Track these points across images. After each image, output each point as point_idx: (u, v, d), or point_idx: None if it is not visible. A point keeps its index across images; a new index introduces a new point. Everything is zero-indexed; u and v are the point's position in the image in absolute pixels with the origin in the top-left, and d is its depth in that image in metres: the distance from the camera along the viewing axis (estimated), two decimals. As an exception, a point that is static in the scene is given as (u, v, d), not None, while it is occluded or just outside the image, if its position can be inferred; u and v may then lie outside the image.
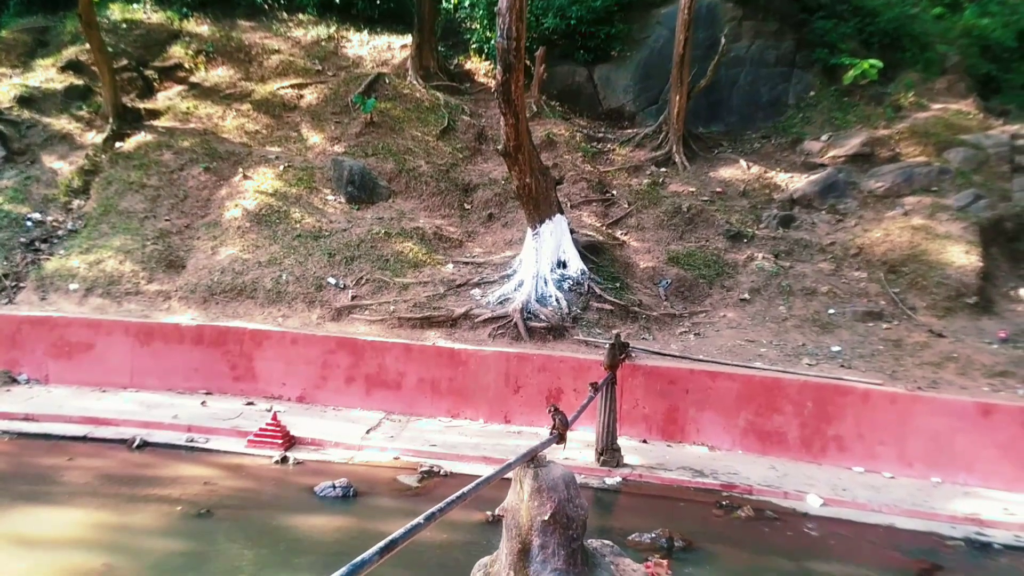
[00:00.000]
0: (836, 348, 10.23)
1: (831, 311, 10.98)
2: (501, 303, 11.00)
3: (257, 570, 6.00)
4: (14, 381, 10.41)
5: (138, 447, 8.72)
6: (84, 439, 8.87)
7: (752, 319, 11.08)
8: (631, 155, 14.93)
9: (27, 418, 9.24)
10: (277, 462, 8.47)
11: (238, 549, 6.41)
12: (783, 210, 12.98)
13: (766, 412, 9.29)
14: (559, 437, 5.68)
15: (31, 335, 10.57)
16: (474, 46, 17.70)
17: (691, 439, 9.58)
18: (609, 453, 8.77)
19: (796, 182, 13.46)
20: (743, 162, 14.30)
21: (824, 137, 14.30)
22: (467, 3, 17.95)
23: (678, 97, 14.38)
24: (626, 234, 12.94)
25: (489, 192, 13.61)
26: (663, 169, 14.42)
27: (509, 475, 5.04)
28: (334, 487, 7.62)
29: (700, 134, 15.21)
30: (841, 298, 11.18)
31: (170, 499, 7.38)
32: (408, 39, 17.13)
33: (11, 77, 16.10)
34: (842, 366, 9.78)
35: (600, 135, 15.69)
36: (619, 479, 8.49)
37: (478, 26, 17.34)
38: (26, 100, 15.16)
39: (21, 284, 11.60)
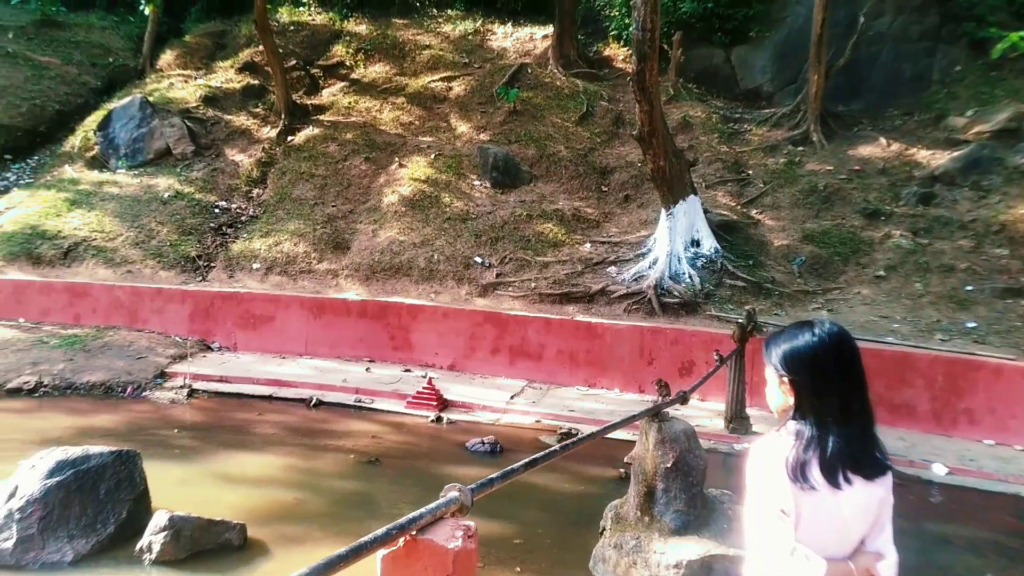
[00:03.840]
0: (971, 324, 10.27)
1: (969, 288, 10.97)
2: (636, 280, 11.65)
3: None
4: (208, 348, 11.97)
5: (314, 406, 9.99)
6: (270, 398, 10.22)
7: (887, 296, 11.22)
8: (767, 135, 15.14)
9: (222, 379, 10.68)
10: (432, 421, 9.52)
11: (403, 490, 7.44)
12: (923, 187, 12.89)
13: (896, 385, 9.51)
14: (682, 398, 6.34)
15: (222, 308, 12.12)
16: (612, 33, 18.25)
17: (819, 411, 9.92)
18: (738, 421, 9.29)
19: (938, 159, 13.30)
20: (883, 139, 14.22)
21: (969, 113, 14.00)
22: (606, -9, 18.54)
23: (816, 76, 14.43)
24: (760, 213, 13.26)
25: (625, 174, 14.25)
26: (800, 148, 14.56)
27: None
28: (483, 443, 8.54)
29: (839, 112, 15.18)
30: (980, 275, 11.13)
31: (344, 449, 8.53)
32: (549, 29, 17.90)
33: (196, 79, 18.04)
34: (976, 342, 9.85)
35: (737, 116, 15.94)
36: (747, 445, 9.01)
37: (616, 13, 17.86)
38: (210, 99, 16.99)
39: (212, 264, 13.26)
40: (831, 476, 2.18)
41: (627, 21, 17.00)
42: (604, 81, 17.23)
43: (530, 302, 11.68)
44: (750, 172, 14.23)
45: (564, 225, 13.15)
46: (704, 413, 9.51)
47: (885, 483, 2.30)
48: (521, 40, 18.52)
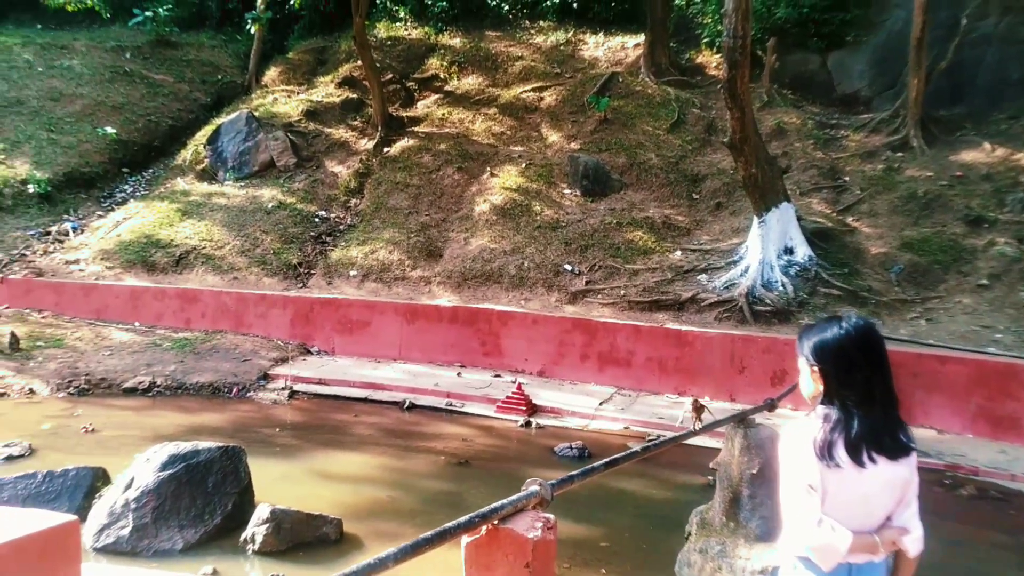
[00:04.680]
0: (1083, 336, 9.83)
1: (1080, 297, 10.50)
2: (727, 288, 11.56)
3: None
4: (308, 352, 12.45)
5: (407, 408, 10.30)
6: (365, 400, 10.58)
7: (990, 305, 10.81)
8: (865, 141, 14.76)
9: (320, 382, 11.11)
10: (521, 426, 9.68)
11: (492, 491, 7.58)
12: (1031, 193, 12.39)
13: (999, 397, 9.17)
14: (770, 405, 6.30)
15: (321, 314, 12.59)
16: (705, 40, 18.11)
17: (918, 421, 9.64)
18: (830, 432, 9.11)
19: (1047, 163, 12.76)
20: (987, 144, 13.66)
21: (1082, 114, 13.38)
22: (699, -1, 18.44)
23: (916, 80, 14.00)
24: (857, 220, 12.95)
25: (717, 182, 14.14)
26: (899, 154, 14.13)
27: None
28: (571, 448, 8.64)
29: (940, 117, 14.65)
30: (1092, 284, 10.64)
31: (435, 450, 8.77)
32: (641, 38, 17.92)
33: (298, 93, 18.79)
34: (1087, 354, 9.43)
35: (833, 122, 15.59)
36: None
37: (709, 20, 17.74)
38: (311, 113, 17.68)
39: (312, 271, 13.81)
40: (855, 455, 2.41)
41: (719, 28, 16.86)
42: (696, 88, 17.14)
43: (619, 309, 11.73)
44: (846, 179, 13.91)
45: (654, 233, 13.16)
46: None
47: (910, 463, 2.48)
48: (612, 49, 18.60)
